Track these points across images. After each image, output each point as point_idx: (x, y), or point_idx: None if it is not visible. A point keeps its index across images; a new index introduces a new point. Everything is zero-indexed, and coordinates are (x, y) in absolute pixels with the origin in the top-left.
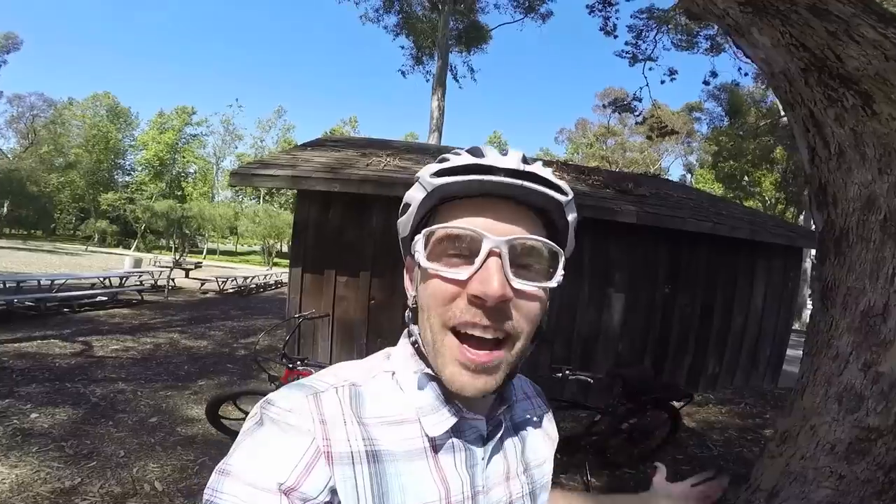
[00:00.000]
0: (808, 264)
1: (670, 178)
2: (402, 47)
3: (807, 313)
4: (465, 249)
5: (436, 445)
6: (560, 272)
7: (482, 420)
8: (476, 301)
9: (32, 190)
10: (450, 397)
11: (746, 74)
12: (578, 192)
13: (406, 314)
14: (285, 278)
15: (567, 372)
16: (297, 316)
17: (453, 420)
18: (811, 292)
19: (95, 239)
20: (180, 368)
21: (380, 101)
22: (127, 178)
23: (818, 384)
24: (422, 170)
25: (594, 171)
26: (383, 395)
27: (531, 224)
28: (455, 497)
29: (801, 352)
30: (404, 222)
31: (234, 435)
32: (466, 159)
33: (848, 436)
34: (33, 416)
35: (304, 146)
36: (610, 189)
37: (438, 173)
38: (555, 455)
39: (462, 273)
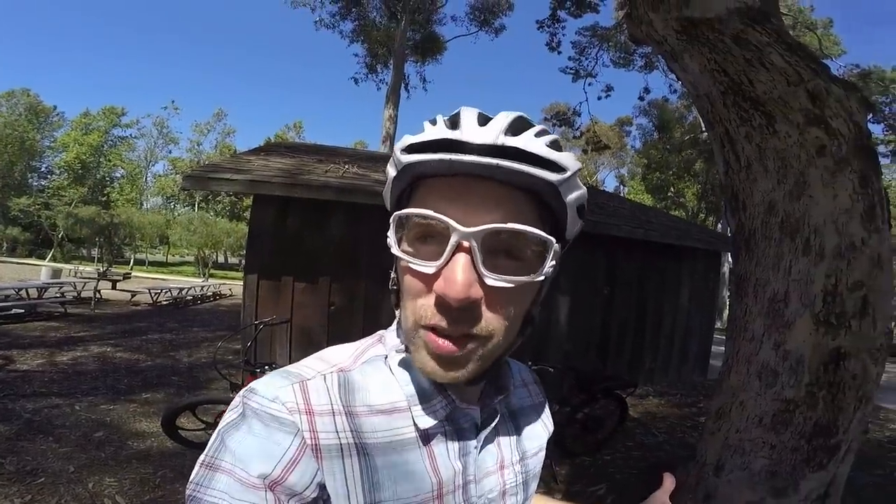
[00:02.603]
0: (726, 268)
1: (605, 188)
2: (356, 55)
3: (727, 313)
4: (435, 237)
5: (428, 434)
6: (549, 263)
7: (476, 409)
8: (440, 301)
9: None
10: (442, 386)
11: (675, 91)
12: None
13: (392, 297)
14: (224, 290)
15: (529, 364)
16: (257, 322)
17: (444, 411)
18: (730, 293)
19: (4, 248)
20: (120, 382)
21: (324, 107)
22: (43, 182)
23: (740, 363)
24: (401, 140)
25: None
26: (374, 381)
27: (516, 208)
28: (447, 487)
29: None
30: (386, 196)
31: (193, 446)
32: (439, 131)
33: (771, 408)
34: None
35: (257, 151)
36: None
37: (409, 148)
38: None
39: (430, 266)
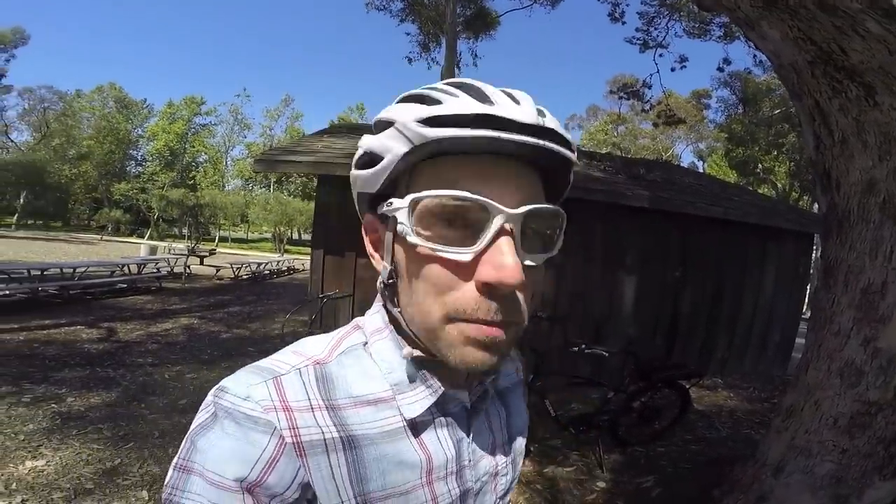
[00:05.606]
0: (820, 253)
1: (682, 164)
2: (408, 34)
3: None
4: (464, 221)
5: (416, 423)
6: (561, 237)
7: (464, 392)
8: (486, 288)
9: (48, 181)
10: (427, 373)
11: (760, 63)
12: (591, 177)
13: (379, 287)
14: (297, 265)
15: (583, 346)
16: (322, 296)
17: (431, 399)
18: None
19: (109, 228)
20: (203, 352)
21: (384, 88)
22: (139, 169)
23: (821, 359)
24: (398, 111)
25: (606, 157)
26: (353, 372)
27: (536, 187)
28: (438, 473)
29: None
30: (369, 176)
31: None
32: (469, 105)
33: (849, 409)
34: (69, 400)
35: (322, 133)
36: (622, 175)
37: (431, 121)
38: (569, 431)
39: (464, 253)
